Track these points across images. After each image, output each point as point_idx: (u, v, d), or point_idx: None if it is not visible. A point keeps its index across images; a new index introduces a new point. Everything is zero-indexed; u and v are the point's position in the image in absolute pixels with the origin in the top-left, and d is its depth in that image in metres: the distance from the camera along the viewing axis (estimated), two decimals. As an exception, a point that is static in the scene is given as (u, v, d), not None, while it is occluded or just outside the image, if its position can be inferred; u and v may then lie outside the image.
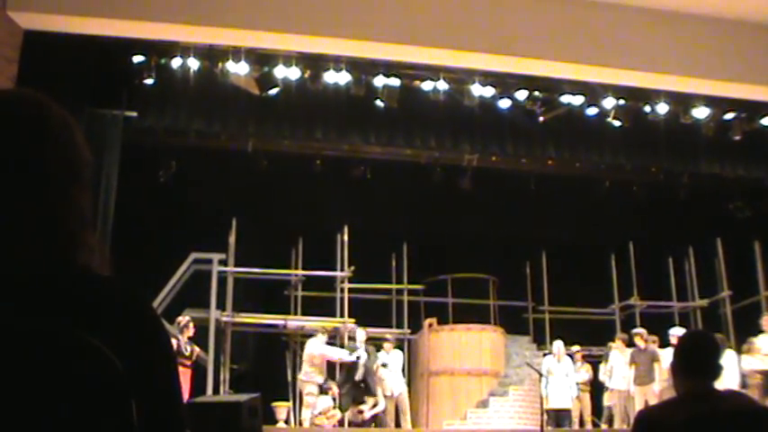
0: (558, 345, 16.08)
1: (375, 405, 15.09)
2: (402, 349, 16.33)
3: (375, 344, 15.90)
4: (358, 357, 14.82)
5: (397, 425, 15.31)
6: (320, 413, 14.23)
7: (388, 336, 15.96)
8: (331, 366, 15.24)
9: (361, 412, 14.91)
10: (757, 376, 14.35)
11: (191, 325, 13.89)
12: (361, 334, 15.34)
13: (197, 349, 14.09)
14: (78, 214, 1.63)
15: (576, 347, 16.70)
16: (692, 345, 4.03)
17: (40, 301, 1.48)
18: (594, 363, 16.72)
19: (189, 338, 13.72)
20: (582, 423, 16.27)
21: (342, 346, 15.66)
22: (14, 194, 1.54)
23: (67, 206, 1.61)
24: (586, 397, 16.44)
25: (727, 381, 12.99)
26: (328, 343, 15.21)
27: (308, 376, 14.68)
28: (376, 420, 15.06)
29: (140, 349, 1.54)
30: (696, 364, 3.85)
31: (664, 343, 15.18)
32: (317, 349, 14.77)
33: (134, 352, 1.52)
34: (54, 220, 1.57)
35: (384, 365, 15.12)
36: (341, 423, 14.63)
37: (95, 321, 1.50)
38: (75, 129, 1.67)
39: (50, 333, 1.45)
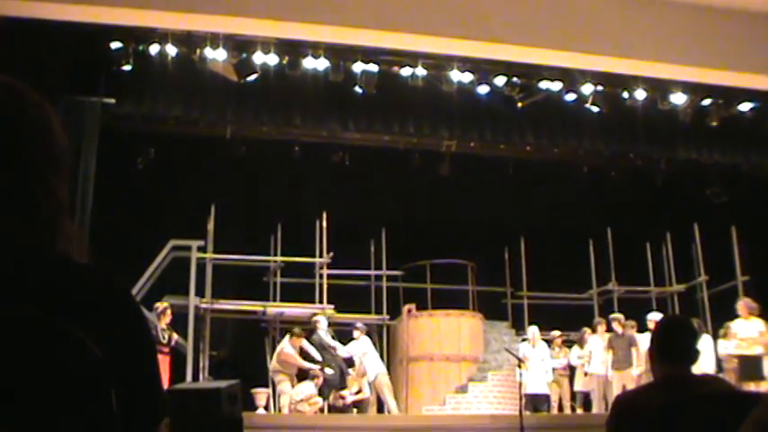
0: (533, 330, 16.16)
1: (359, 392, 15.16)
2: (381, 335, 16.36)
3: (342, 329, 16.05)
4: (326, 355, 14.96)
5: (380, 411, 15.38)
6: (302, 400, 14.25)
7: (358, 324, 15.96)
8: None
9: (342, 398, 14.95)
10: (733, 361, 14.46)
11: (168, 311, 13.89)
12: (323, 322, 15.43)
13: (175, 336, 14.08)
14: (56, 201, 1.63)
15: (555, 333, 16.77)
16: (669, 330, 4.06)
17: (17, 287, 1.49)
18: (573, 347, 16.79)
19: (167, 325, 13.72)
20: (561, 408, 16.36)
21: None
22: None
23: (45, 193, 1.61)
24: (565, 382, 16.50)
25: (704, 365, 13.10)
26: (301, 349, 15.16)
27: (276, 368, 14.76)
28: (358, 406, 15.11)
29: (119, 336, 1.55)
30: (673, 348, 3.88)
31: (642, 328, 15.26)
32: (286, 350, 14.81)
33: (113, 339, 1.52)
34: (31, 207, 1.57)
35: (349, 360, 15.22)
36: (321, 411, 14.66)
37: (73, 309, 1.50)
38: (52, 116, 1.67)
39: (27, 320, 1.46)
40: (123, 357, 1.54)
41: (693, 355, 3.89)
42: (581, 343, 16.28)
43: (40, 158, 1.61)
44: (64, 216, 1.65)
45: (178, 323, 15.28)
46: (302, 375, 14.87)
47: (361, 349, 15.40)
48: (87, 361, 1.48)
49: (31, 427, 1.43)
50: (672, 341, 3.91)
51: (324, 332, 15.22)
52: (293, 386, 14.59)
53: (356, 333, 15.57)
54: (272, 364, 15.02)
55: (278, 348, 15.05)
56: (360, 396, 15.11)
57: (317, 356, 14.88)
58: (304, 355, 14.88)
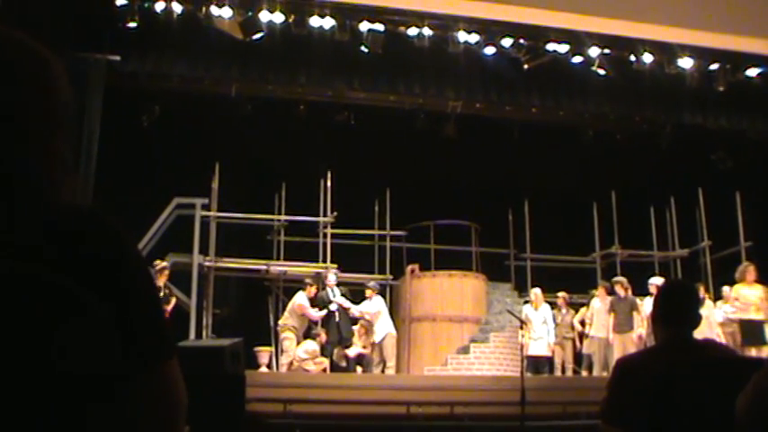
0: (536, 292, 16.17)
1: (364, 348, 15.23)
2: (384, 295, 16.38)
3: (355, 289, 16.08)
4: (330, 311, 14.99)
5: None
6: (307, 358, 14.32)
7: (370, 283, 15.98)
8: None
9: (346, 356, 15.02)
10: (732, 325, 14.50)
11: (166, 271, 13.93)
12: (332, 278, 15.48)
13: (174, 290, 14.18)
14: (59, 158, 1.63)
15: (561, 294, 16.78)
16: (671, 294, 4.06)
17: (20, 244, 1.49)
18: (577, 310, 16.80)
19: (164, 284, 13.77)
20: (564, 370, 16.41)
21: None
22: None
23: (47, 149, 1.61)
24: (569, 344, 16.53)
25: (706, 330, 13.14)
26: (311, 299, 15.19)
27: (285, 322, 14.81)
28: (361, 362, 15.16)
29: (124, 287, 1.56)
30: (675, 313, 3.89)
31: (642, 291, 15.29)
32: (298, 300, 14.86)
33: (118, 292, 1.54)
34: (33, 163, 1.57)
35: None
36: (325, 370, 14.74)
37: (77, 263, 1.51)
38: (54, 69, 1.66)
39: (30, 276, 1.46)
40: (126, 300, 1.56)
41: (695, 320, 3.90)
42: (589, 306, 16.28)
43: (41, 114, 1.61)
44: (66, 173, 1.65)
45: (181, 281, 15.35)
46: (306, 334, 14.95)
47: (374, 309, 15.42)
48: (89, 315, 1.49)
49: (31, 381, 1.44)
50: (674, 306, 3.92)
51: (331, 290, 15.23)
52: (298, 344, 14.66)
53: (368, 292, 15.58)
54: (283, 316, 15.07)
55: (291, 300, 15.08)
56: (362, 350, 15.16)
57: (314, 315, 14.91)
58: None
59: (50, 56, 1.66)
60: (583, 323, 16.23)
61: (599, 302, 15.74)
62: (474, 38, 14.34)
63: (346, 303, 15.22)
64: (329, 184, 17.03)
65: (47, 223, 1.54)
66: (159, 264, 13.89)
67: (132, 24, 13.53)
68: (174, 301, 14.11)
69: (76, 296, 1.48)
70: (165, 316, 1.70)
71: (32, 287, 1.46)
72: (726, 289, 14.99)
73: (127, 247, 1.62)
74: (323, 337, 14.90)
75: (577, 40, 14.48)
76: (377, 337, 15.27)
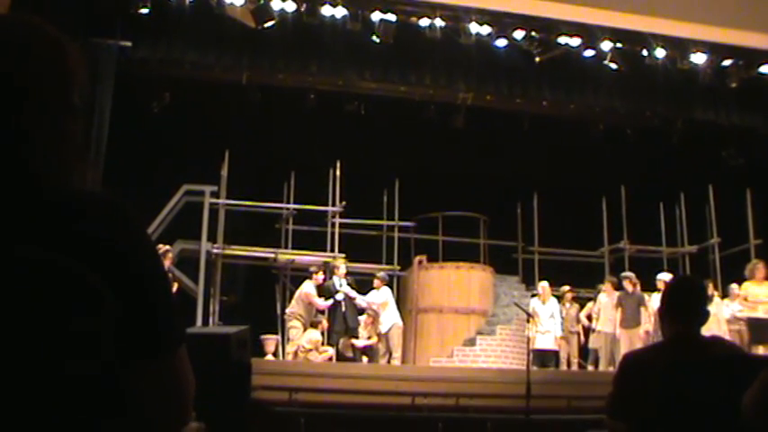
0: (544, 285, 16.14)
1: (369, 338, 15.23)
2: (391, 286, 16.37)
3: (364, 280, 16.06)
4: (336, 300, 14.96)
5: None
6: (311, 349, 14.32)
7: (378, 273, 15.96)
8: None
9: (352, 345, 15.03)
10: (739, 322, 14.47)
11: (169, 254, 13.95)
12: (342, 267, 15.47)
13: (179, 274, 14.22)
14: (73, 142, 1.63)
15: (566, 287, 16.75)
16: (679, 290, 4.05)
17: (29, 228, 1.49)
18: (583, 305, 16.76)
19: (168, 267, 13.76)
20: (569, 364, 16.39)
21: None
22: (4, 121, 1.53)
23: (62, 134, 1.60)
24: (574, 338, 16.51)
25: (714, 327, 13.11)
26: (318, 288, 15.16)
27: (292, 311, 14.80)
28: (367, 352, 15.17)
29: (136, 274, 1.56)
30: (682, 309, 3.88)
31: (650, 287, 15.25)
32: (305, 289, 14.85)
33: (130, 278, 1.54)
34: (48, 147, 1.57)
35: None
36: (331, 359, 14.75)
37: (89, 249, 1.51)
38: (72, 54, 1.66)
39: (45, 261, 1.46)
40: (138, 286, 1.56)
41: (703, 317, 3.89)
42: (597, 300, 16.25)
43: (57, 98, 1.61)
44: (77, 157, 1.65)
45: (189, 267, 15.37)
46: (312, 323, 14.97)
47: (381, 299, 15.39)
48: (98, 299, 1.49)
49: (37, 371, 1.44)
50: (681, 302, 3.91)
51: (339, 278, 15.21)
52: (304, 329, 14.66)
53: (376, 282, 15.56)
54: (290, 304, 15.07)
55: (299, 289, 15.07)
56: (369, 342, 15.16)
57: (320, 304, 14.89)
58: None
59: (68, 41, 1.66)
60: (590, 318, 16.19)
61: (606, 297, 15.71)
62: (486, 30, 14.32)
63: (352, 293, 15.21)
64: (338, 173, 17.03)
65: (60, 208, 1.54)
66: (162, 248, 13.90)
67: (144, 11, 13.53)
68: (176, 285, 14.12)
69: (89, 282, 1.48)
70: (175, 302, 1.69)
71: (47, 272, 1.46)
72: (733, 287, 14.95)
73: (139, 233, 1.62)
74: (324, 324, 14.89)
75: (590, 34, 14.45)
76: (383, 328, 15.25)
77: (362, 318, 15.37)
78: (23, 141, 1.54)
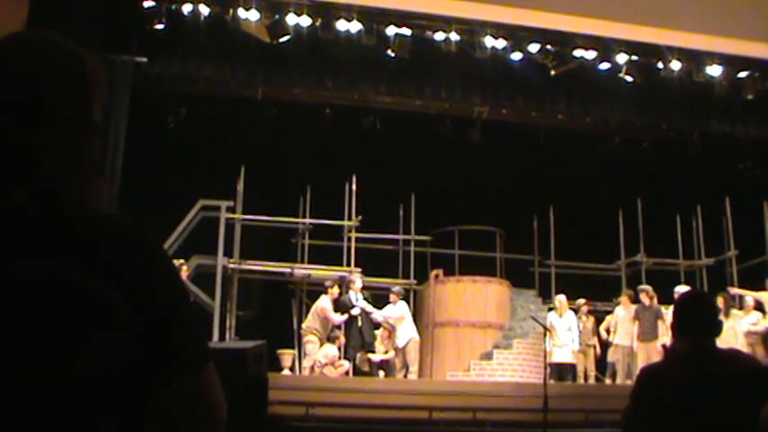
0: (561, 299, 16.10)
1: (386, 352, 15.20)
2: (407, 300, 16.35)
3: (380, 294, 16.05)
4: (352, 315, 14.94)
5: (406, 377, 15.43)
6: (327, 363, 14.31)
7: (394, 287, 15.93)
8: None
9: (369, 360, 15.01)
10: (753, 336, 14.39)
11: (183, 268, 13.97)
12: (358, 282, 15.45)
13: (194, 289, 14.23)
14: (86, 158, 1.63)
15: (581, 300, 16.70)
16: (686, 305, 4.07)
17: (45, 242, 1.49)
18: (600, 318, 16.71)
19: None
20: (586, 378, 16.33)
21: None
22: (22, 135, 1.54)
23: (80, 150, 1.61)
24: (590, 352, 16.44)
25: (732, 340, 13.05)
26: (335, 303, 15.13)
27: (309, 325, 14.79)
28: (384, 367, 15.15)
29: (152, 285, 1.55)
30: (692, 323, 3.89)
31: (667, 300, 15.17)
32: (321, 304, 14.83)
33: (145, 289, 1.53)
34: (65, 163, 1.57)
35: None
36: (347, 373, 14.74)
37: (102, 264, 1.50)
38: (91, 70, 1.66)
39: (53, 275, 1.46)
40: (157, 306, 1.54)
41: (715, 329, 3.89)
42: (613, 313, 16.18)
43: (74, 112, 1.61)
44: (95, 173, 1.65)
45: (205, 283, 15.38)
46: (329, 338, 14.95)
47: (398, 313, 15.36)
48: (116, 317, 1.49)
49: (58, 385, 1.44)
50: (690, 316, 3.91)
51: (355, 293, 15.19)
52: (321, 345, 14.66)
53: (393, 297, 15.53)
54: (307, 319, 15.06)
55: (315, 304, 15.07)
56: (386, 356, 15.14)
57: (336, 319, 14.86)
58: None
59: (87, 54, 1.66)
60: (608, 331, 16.13)
61: (623, 310, 15.65)
62: (501, 43, 14.33)
63: (368, 308, 15.20)
64: (354, 187, 17.03)
65: (78, 225, 1.54)
66: (176, 263, 13.92)
67: (159, 26, 13.62)
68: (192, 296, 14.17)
69: (107, 302, 1.48)
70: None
71: (65, 290, 1.46)
72: (748, 299, 14.88)
73: (158, 253, 1.61)
74: (342, 339, 14.89)
75: (605, 47, 14.44)
76: (400, 342, 15.21)
77: (379, 332, 15.35)
78: (44, 156, 1.54)
